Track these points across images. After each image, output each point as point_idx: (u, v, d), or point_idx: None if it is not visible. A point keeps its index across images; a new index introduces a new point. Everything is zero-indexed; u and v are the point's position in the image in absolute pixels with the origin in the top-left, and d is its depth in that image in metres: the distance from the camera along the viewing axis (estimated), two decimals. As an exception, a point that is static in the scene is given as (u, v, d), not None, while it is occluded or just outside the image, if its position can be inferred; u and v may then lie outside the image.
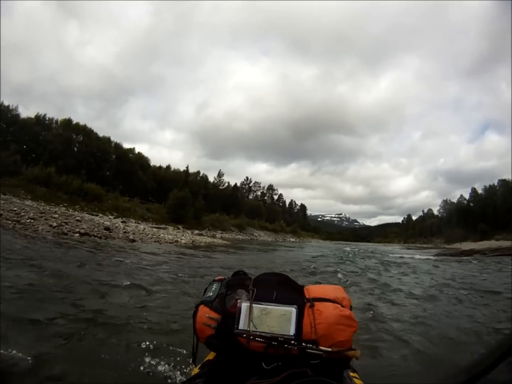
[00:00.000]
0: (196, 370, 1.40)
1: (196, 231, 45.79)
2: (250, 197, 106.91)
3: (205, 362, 1.43)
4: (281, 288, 1.37)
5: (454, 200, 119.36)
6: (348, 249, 35.85)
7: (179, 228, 42.36)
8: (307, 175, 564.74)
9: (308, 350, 1.21)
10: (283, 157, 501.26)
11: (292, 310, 1.27)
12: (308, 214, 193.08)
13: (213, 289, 1.39)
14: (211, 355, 1.45)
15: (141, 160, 66.27)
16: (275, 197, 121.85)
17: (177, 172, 73.76)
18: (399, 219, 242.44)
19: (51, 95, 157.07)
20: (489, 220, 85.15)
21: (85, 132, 56.38)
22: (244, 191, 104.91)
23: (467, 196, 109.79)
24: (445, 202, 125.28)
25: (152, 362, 3.10)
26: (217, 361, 1.36)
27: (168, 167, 76.88)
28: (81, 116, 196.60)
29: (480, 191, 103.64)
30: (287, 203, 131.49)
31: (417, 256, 26.45)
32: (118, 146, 61.65)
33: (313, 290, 1.40)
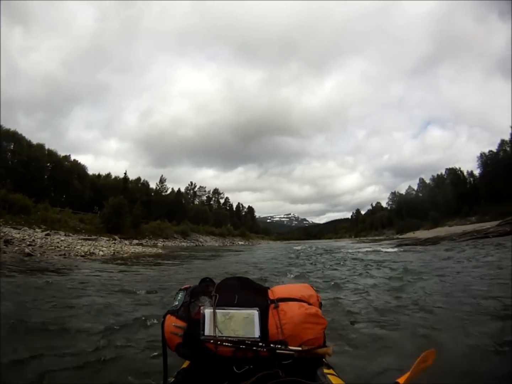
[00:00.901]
0: (172, 379, 1.35)
1: (135, 241, 43.49)
2: (196, 202, 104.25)
3: (180, 370, 1.40)
4: (243, 291, 1.38)
5: (403, 192, 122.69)
6: (299, 248, 34.94)
7: (114, 239, 40.03)
8: (254, 178, 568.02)
9: (278, 351, 1.22)
10: (229, 161, 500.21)
11: (254, 313, 1.28)
12: (257, 216, 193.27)
13: (179, 298, 1.40)
14: (185, 364, 1.42)
15: (77, 167, 62.41)
16: (222, 201, 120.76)
17: (117, 179, 70.47)
18: (347, 215, 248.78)
19: None
20: (440, 207, 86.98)
21: (15, 139, 52.51)
22: (189, 196, 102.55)
23: (415, 187, 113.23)
24: (394, 194, 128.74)
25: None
26: (189, 369, 1.35)
27: (108, 175, 73.77)
28: (23, 127, 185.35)
29: (428, 181, 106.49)
30: (234, 207, 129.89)
31: (371, 249, 25.26)
32: (52, 154, 57.55)
33: (277, 290, 1.41)
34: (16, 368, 3.10)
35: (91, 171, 70.57)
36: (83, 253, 19.41)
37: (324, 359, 1.34)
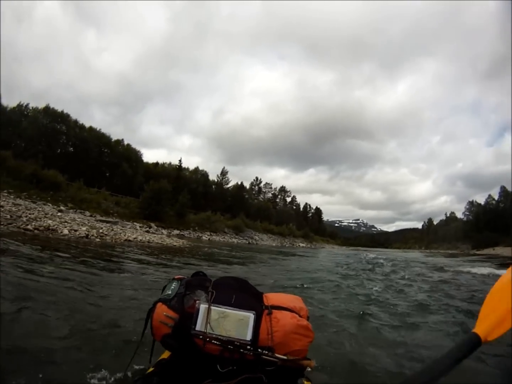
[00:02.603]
0: (150, 369, 1.30)
1: (176, 231, 37.16)
2: (261, 199, 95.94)
3: (160, 360, 1.35)
4: (240, 293, 1.31)
5: (481, 201, 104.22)
6: (372, 257, 27.11)
7: (149, 226, 33.66)
8: (324, 180, 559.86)
9: (264, 357, 1.17)
10: (300, 162, 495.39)
11: (250, 316, 1.22)
12: (325, 220, 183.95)
13: (172, 287, 1.31)
14: (166, 354, 1.37)
15: (129, 152, 56.50)
16: (288, 199, 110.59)
17: (175, 169, 63.41)
18: (417, 224, 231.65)
19: (68, 101, 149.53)
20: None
21: (62, 119, 48.47)
22: (254, 192, 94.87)
23: (495, 197, 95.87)
24: (471, 203, 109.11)
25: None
26: (172, 361, 1.29)
27: (169, 164, 67.20)
28: (98, 122, 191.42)
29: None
30: (301, 207, 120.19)
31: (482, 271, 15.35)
32: (103, 137, 52.58)
33: (272, 298, 1.35)
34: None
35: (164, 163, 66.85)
36: (32, 228, 13.39)
37: (304, 372, 1.28)
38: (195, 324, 1.16)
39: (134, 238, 18.31)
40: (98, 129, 53.36)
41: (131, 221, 32.73)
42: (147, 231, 31.26)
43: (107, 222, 24.89)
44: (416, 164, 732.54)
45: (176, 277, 1.37)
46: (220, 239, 43.89)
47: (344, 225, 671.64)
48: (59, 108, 49.08)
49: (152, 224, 34.68)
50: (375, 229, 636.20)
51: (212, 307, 1.19)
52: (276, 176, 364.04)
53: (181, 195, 44.32)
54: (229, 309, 1.21)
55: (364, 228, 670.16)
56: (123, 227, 26.70)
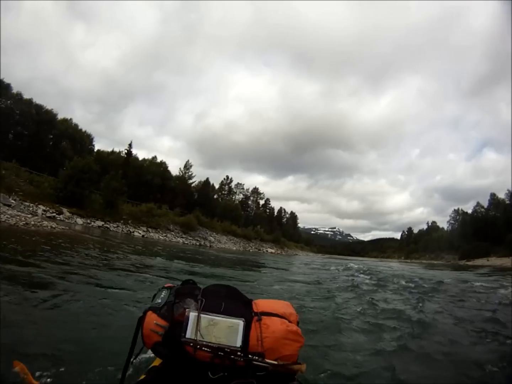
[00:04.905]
0: (142, 376, 1.29)
1: (99, 222, 29.79)
2: (232, 199, 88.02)
3: (151, 368, 1.34)
4: (229, 300, 1.31)
5: (468, 210, 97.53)
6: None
7: (59, 212, 26.48)
8: (303, 188, 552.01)
9: (254, 362, 1.18)
10: (280, 169, 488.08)
11: (240, 323, 1.21)
12: (302, 227, 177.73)
13: (162, 296, 1.31)
14: (157, 362, 1.36)
15: (74, 132, 48.43)
16: (261, 202, 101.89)
17: (136, 158, 56.36)
18: (393, 234, 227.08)
19: (49, 95, 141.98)
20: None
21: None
22: (223, 192, 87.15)
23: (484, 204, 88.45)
24: (457, 212, 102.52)
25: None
26: (163, 368, 1.28)
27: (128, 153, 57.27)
28: (79, 118, 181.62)
29: (502, 196, 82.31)
30: (276, 211, 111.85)
31: None
32: (40, 112, 43.63)
33: (261, 304, 1.35)
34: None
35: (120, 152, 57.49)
36: None
37: (295, 376, 1.26)
38: (185, 332, 1.15)
39: None
40: (36, 103, 45.00)
41: (36, 203, 25.65)
42: (51, 217, 24.28)
43: None
44: (394, 175, 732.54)
45: (166, 285, 1.34)
46: (160, 237, 36.70)
47: (320, 233, 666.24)
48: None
49: (65, 210, 27.52)
50: (351, 238, 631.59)
51: (201, 315, 1.18)
52: (255, 182, 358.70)
53: (114, 179, 36.76)
54: (219, 316, 1.19)
55: (340, 237, 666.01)
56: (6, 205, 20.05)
